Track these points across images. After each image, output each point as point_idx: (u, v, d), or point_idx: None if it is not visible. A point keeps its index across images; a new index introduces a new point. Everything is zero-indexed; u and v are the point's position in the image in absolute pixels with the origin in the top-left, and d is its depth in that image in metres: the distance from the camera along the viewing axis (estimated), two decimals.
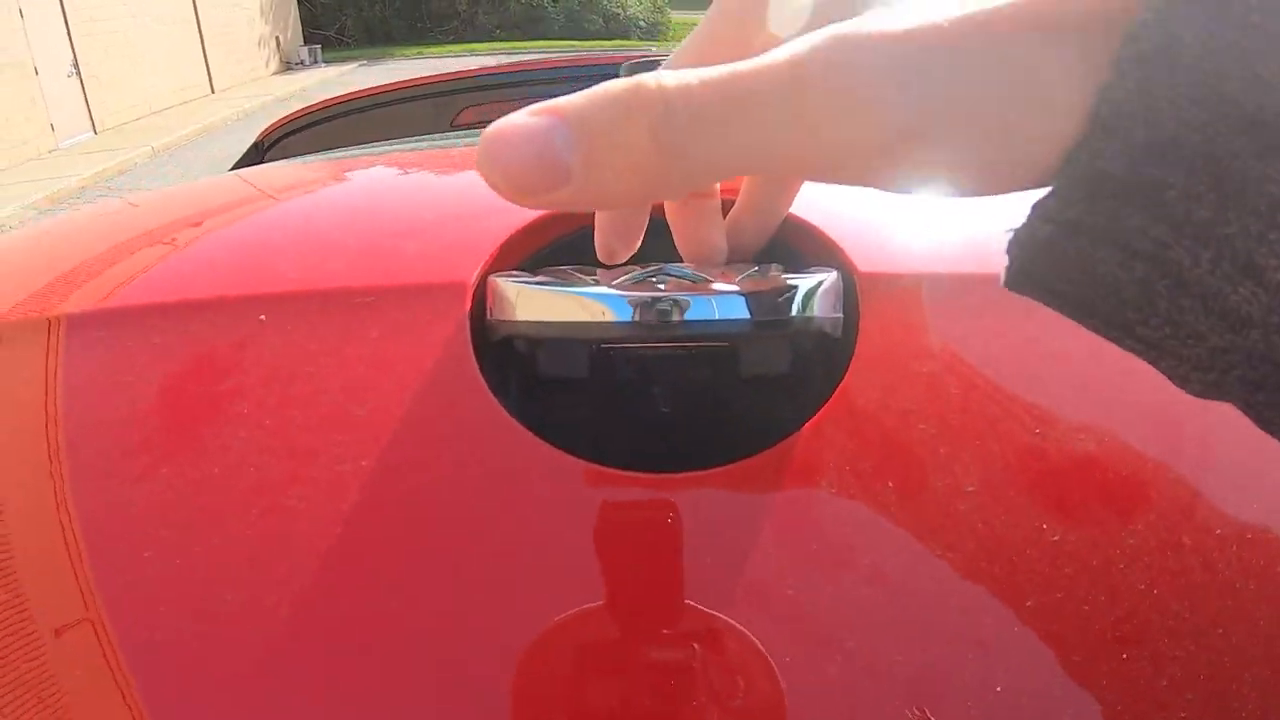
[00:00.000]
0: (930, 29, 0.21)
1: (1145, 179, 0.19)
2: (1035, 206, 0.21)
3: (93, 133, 10.12)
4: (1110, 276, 0.20)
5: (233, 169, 1.53)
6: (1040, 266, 0.22)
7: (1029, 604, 0.40)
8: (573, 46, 20.74)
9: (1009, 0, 0.20)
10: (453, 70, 1.38)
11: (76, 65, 9.89)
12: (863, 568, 0.38)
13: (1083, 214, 0.20)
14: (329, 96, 1.41)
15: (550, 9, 22.49)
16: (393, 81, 1.44)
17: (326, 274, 0.46)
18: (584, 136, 0.23)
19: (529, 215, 0.46)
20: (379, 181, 0.70)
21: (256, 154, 1.51)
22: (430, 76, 1.39)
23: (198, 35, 13.16)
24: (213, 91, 13.45)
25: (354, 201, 0.62)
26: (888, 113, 0.20)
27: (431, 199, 0.60)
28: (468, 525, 0.39)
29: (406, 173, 0.72)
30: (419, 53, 20.39)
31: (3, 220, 6.58)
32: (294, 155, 1.53)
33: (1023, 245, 0.22)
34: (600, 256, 0.37)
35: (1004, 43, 0.20)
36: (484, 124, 0.91)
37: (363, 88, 1.42)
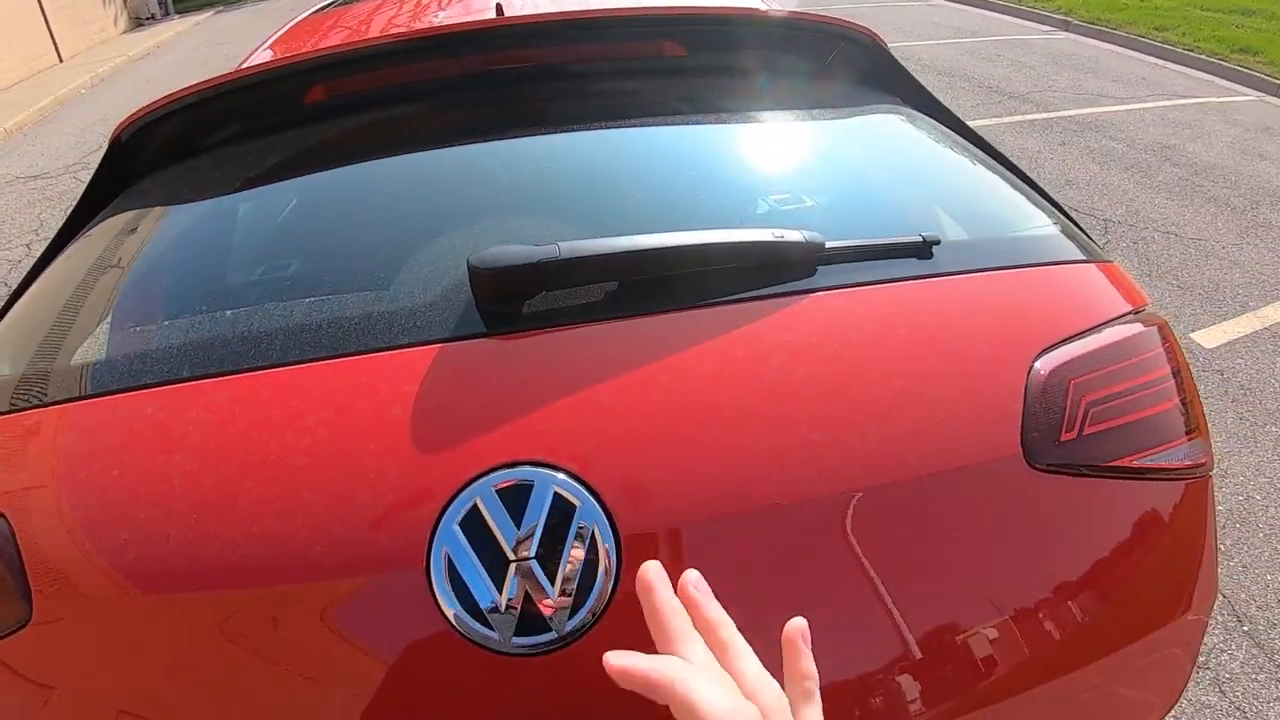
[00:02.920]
0: None
1: None
2: None
3: None
4: None
5: (97, 171, 1.45)
6: None
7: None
8: None
9: None
10: (299, 54, 1.37)
11: None
12: None
13: None
14: (182, 86, 1.37)
15: None
16: (241, 69, 1.41)
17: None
18: None
19: None
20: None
21: (119, 153, 1.45)
22: (278, 61, 1.38)
23: (35, 1, 12.18)
24: (61, 60, 12.53)
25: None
26: None
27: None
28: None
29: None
30: None
31: None
32: (154, 152, 1.48)
33: None
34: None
35: None
36: (332, 102, 1.23)
37: (211, 76, 1.37)
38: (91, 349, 1.07)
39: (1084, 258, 1.14)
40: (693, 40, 1.52)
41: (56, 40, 12.55)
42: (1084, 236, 1.21)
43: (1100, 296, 1.09)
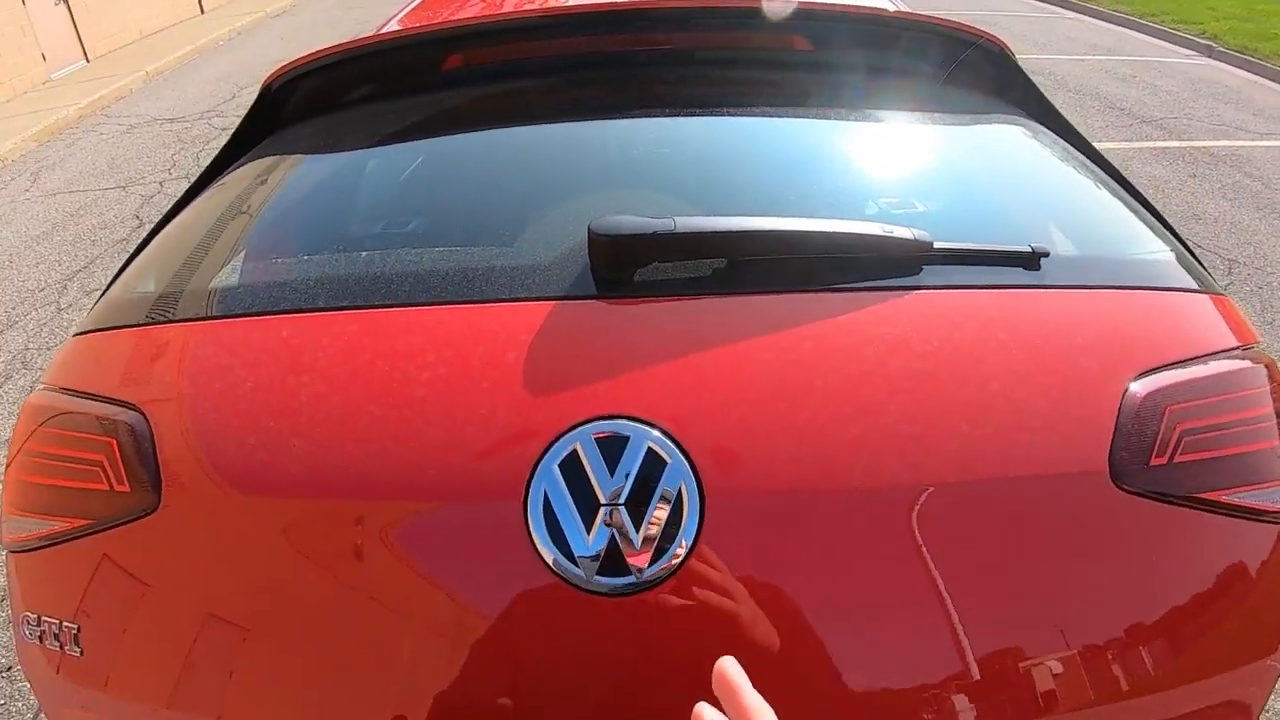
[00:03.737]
0: None
1: None
2: None
3: (85, 61, 9.94)
4: None
5: (247, 116, 1.56)
6: None
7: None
8: None
9: None
10: (440, 23, 1.49)
11: None
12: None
13: None
14: (313, 44, 1.49)
15: None
16: (385, 33, 1.52)
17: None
18: None
19: None
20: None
21: (266, 101, 1.57)
22: (422, 28, 1.48)
23: None
24: (202, 11, 13.14)
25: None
26: None
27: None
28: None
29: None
30: None
31: (4, 154, 6.54)
32: (300, 103, 1.58)
33: None
34: None
35: None
36: (468, 70, 1.28)
37: (360, 36, 1.48)
38: (235, 275, 1.17)
39: (1196, 287, 1.11)
40: (820, 35, 1.53)
41: None
42: (1199, 267, 1.18)
43: (1209, 327, 1.06)
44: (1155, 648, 0.90)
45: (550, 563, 0.85)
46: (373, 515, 0.89)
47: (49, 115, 7.41)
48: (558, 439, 0.87)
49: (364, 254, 1.14)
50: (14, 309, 4.02)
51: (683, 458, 0.87)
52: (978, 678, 0.86)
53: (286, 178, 1.38)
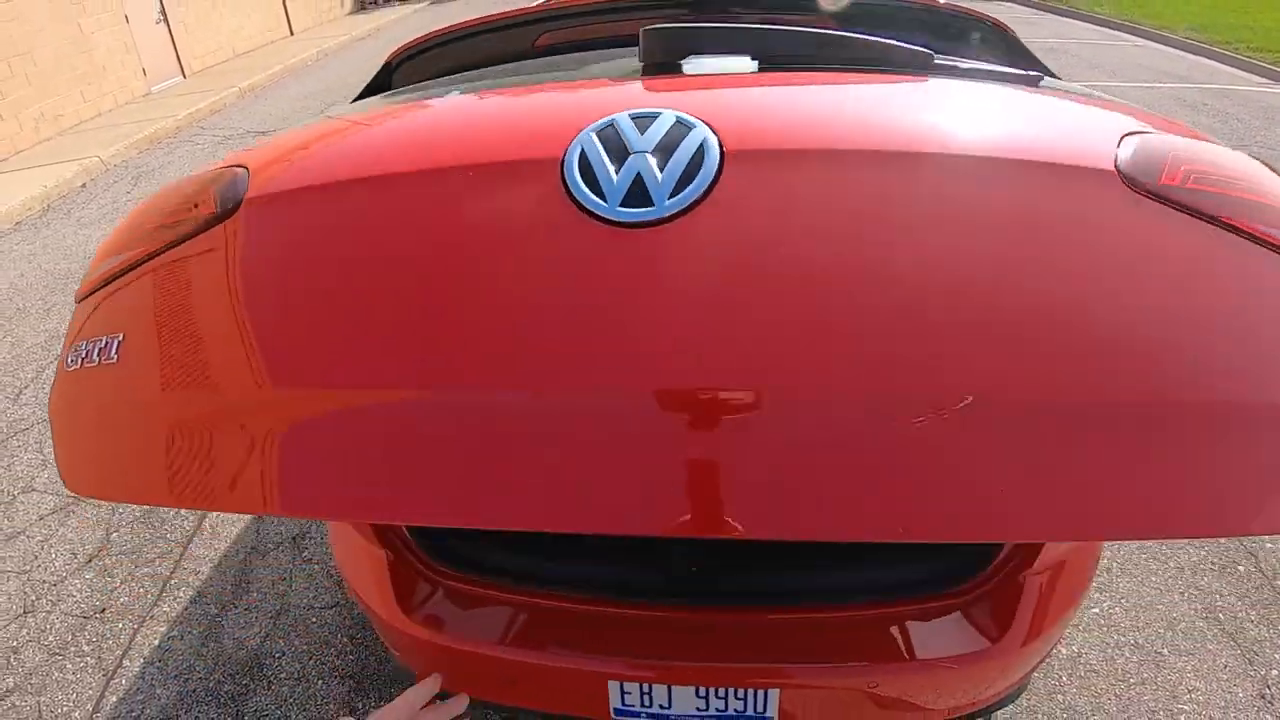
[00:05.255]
0: None
1: None
2: None
3: (181, 76, 10.53)
4: None
5: (368, 85, 1.94)
6: None
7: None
8: None
9: None
10: (533, 5, 1.86)
11: (164, 12, 10.25)
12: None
13: None
14: (438, 28, 1.88)
15: None
16: (489, 14, 1.88)
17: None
18: None
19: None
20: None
21: (386, 72, 1.96)
22: (516, 11, 1.84)
23: None
24: (291, 33, 13.77)
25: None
26: None
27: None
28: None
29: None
30: None
31: (108, 159, 7.00)
32: (416, 72, 1.95)
33: None
34: None
35: None
36: (555, 46, 1.71)
37: (467, 19, 1.86)
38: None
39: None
40: (841, 15, 1.77)
41: (290, 15, 13.79)
42: None
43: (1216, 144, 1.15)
44: (1151, 346, 0.86)
45: (579, 198, 0.95)
46: (445, 176, 1.05)
47: (149, 126, 7.89)
48: (597, 121, 1.02)
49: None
50: None
51: (705, 126, 0.99)
52: (965, 335, 0.86)
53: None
